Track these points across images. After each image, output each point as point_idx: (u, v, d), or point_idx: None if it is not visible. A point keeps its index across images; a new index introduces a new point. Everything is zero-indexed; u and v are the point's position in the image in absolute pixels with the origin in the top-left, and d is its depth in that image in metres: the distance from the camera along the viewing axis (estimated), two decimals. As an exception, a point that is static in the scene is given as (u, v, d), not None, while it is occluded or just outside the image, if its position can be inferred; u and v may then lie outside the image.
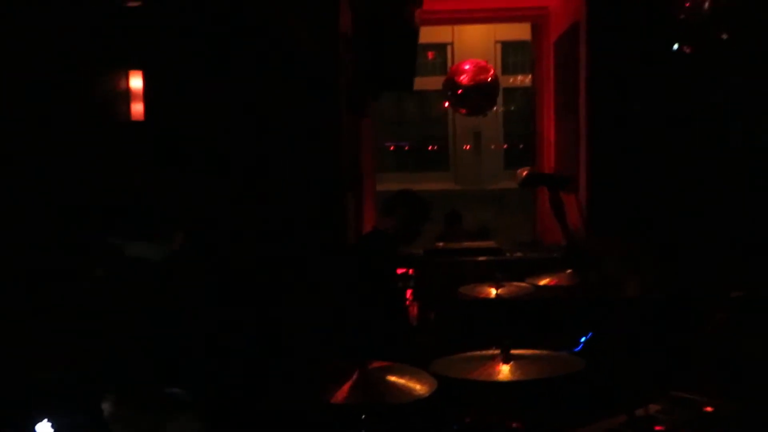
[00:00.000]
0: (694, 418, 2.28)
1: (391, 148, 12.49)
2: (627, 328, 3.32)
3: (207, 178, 4.01)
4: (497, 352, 2.18)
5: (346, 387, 2.02)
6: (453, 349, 2.36)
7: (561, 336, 2.83)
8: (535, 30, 5.77)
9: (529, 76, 6.66)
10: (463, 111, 5.50)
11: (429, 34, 9.95)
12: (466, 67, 5.36)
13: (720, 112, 4.27)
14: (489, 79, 5.29)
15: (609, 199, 4.34)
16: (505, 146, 12.28)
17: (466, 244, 4.70)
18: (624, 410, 2.20)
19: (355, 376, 2.04)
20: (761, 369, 2.65)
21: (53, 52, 2.80)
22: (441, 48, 11.73)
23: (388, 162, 12.19)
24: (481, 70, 5.29)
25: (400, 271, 3.91)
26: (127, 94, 3.59)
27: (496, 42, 11.82)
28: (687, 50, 4.26)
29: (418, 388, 2.05)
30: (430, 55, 11.66)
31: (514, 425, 2.41)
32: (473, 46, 10.86)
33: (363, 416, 2.03)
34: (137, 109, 3.58)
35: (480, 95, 5.24)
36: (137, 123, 3.45)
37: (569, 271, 2.96)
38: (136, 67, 3.55)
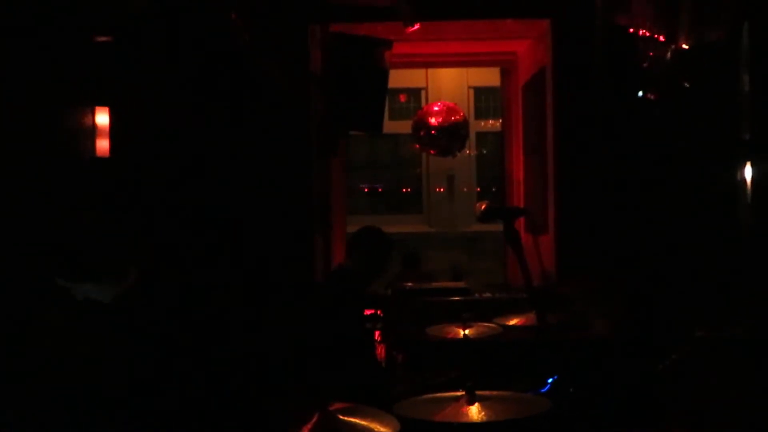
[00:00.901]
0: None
1: (365, 190, 12.53)
2: (594, 368, 3.31)
3: (171, 215, 3.96)
4: (462, 393, 2.14)
5: (305, 429, 1.95)
6: (420, 391, 2.32)
7: (528, 377, 2.80)
8: (504, 75, 5.89)
9: (500, 121, 6.77)
10: (433, 152, 5.55)
11: (403, 79, 10.10)
12: (435, 108, 5.44)
13: (684, 157, 4.37)
14: (458, 121, 5.36)
15: (577, 240, 4.38)
16: (478, 189, 12.40)
17: (435, 284, 4.69)
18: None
19: (315, 418, 1.98)
20: (724, 407, 2.64)
21: (19, 84, 2.77)
22: (415, 92, 11.93)
23: (362, 204, 12.21)
24: (450, 111, 5.37)
25: (368, 311, 3.86)
26: (93, 130, 3.56)
27: (469, 87, 12.04)
28: (651, 97, 4.38)
29: (380, 430, 2.00)
30: (402, 98, 11.83)
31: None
32: (446, 91, 11.05)
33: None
34: (103, 145, 3.55)
35: (449, 136, 5.30)
36: (102, 159, 3.41)
37: (536, 311, 2.95)
38: (103, 104, 3.53)
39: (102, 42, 3.46)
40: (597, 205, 4.35)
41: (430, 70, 11.13)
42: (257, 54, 4.11)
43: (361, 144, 12.03)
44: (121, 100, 3.56)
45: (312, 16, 4.32)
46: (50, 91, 3.06)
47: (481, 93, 12.17)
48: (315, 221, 4.44)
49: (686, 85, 4.27)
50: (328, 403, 2.01)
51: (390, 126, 10.29)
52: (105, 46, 3.47)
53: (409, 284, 4.74)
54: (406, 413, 2.09)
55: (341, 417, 2.01)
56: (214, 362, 3.01)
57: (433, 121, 5.29)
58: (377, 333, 3.78)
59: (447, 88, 11.50)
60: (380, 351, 3.72)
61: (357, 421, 2.02)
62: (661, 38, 4.19)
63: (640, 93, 4.36)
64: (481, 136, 12.36)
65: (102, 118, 3.56)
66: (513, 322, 3.23)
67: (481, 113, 12.34)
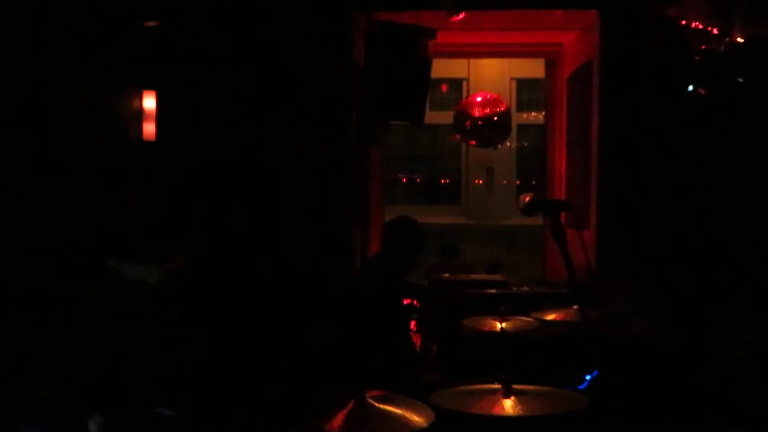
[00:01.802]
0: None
1: (404, 180, 12.52)
2: (634, 367, 3.25)
3: (217, 202, 4.02)
4: (499, 386, 2.12)
5: (341, 415, 1.97)
6: (456, 382, 2.31)
7: (566, 373, 2.76)
8: (548, 66, 5.80)
9: (542, 113, 6.67)
10: (474, 143, 5.51)
11: (444, 69, 10.05)
12: (478, 99, 5.39)
13: (733, 155, 4.24)
14: (501, 112, 5.30)
15: (618, 237, 4.30)
16: (518, 182, 12.28)
17: (472, 276, 4.65)
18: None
19: (350, 405, 1.99)
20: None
21: (68, 68, 2.84)
22: (456, 83, 11.85)
23: (400, 194, 12.21)
24: (493, 102, 5.31)
25: (405, 301, 3.86)
26: (139, 114, 3.63)
27: (511, 79, 11.92)
28: (702, 92, 4.26)
29: (415, 419, 1.99)
30: (444, 88, 11.76)
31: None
32: (488, 82, 10.95)
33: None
34: (149, 129, 3.62)
35: (491, 128, 5.24)
36: (148, 143, 3.48)
37: (575, 307, 2.90)
38: (150, 88, 3.59)
39: (149, 27, 3.52)
40: (640, 202, 4.26)
41: (472, 61, 11.05)
42: (300, 42, 4.13)
43: (400, 134, 12.02)
44: (169, 85, 3.62)
45: (355, 4, 4.31)
46: (99, 75, 3.12)
47: (523, 84, 12.03)
48: (354, 211, 4.45)
49: (740, 80, 4.13)
50: (363, 391, 2.01)
51: (430, 117, 10.24)
52: (152, 30, 3.53)
53: (446, 275, 4.72)
54: (441, 403, 2.09)
55: (376, 404, 2.02)
56: (259, 349, 3.06)
57: (476, 112, 5.24)
58: (413, 323, 3.77)
59: (489, 79, 11.39)
60: (416, 341, 3.71)
61: (392, 409, 2.02)
62: (715, 31, 4.06)
63: (690, 88, 4.24)
64: (523, 128, 12.23)
65: (149, 102, 3.63)
66: (551, 317, 3.18)
67: (522, 105, 12.21)
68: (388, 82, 4.24)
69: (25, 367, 2.20)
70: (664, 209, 4.21)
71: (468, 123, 5.28)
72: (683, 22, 4.10)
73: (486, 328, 3.16)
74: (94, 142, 2.99)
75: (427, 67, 4.30)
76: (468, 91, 11.38)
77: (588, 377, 2.66)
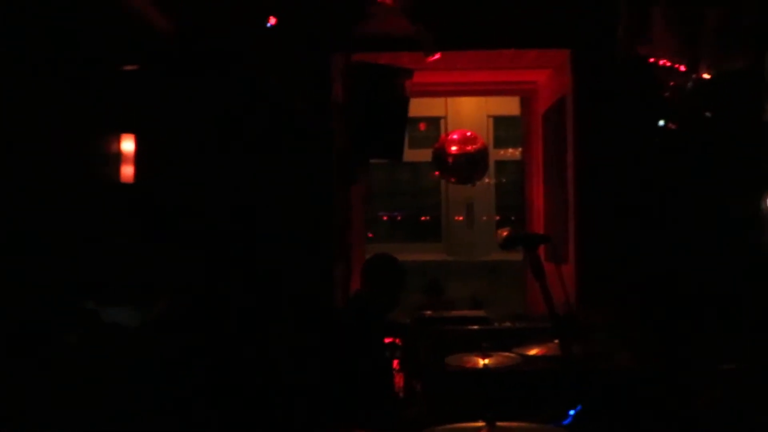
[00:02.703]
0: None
1: (384, 218, 12.55)
2: (617, 400, 3.24)
3: (197, 244, 4.00)
4: (482, 424, 2.10)
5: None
6: (439, 421, 2.29)
7: (550, 408, 2.75)
8: (524, 104, 5.91)
9: (520, 149, 6.78)
10: (453, 180, 5.57)
11: (423, 107, 10.16)
12: (455, 137, 5.48)
13: (706, 186, 4.33)
14: (477, 149, 5.38)
15: (597, 269, 4.34)
16: (497, 217, 12.36)
17: (454, 313, 4.65)
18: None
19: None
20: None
21: (47, 111, 2.83)
22: (435, 121, 11.99)
23: (381, 232, 12.21)
24: (470, 140, 5.40)
25: (387, 340, 3.84)
26: (118, 157, 3.63)
27: (488, 116, 12.08)
28: (672, 126, 4.37)
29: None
30: (422, 126, 11.89)
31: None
32: (466, 120, 11.09)
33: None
34: (127, 171, 3.61)
35: (468, 164, 5.31)
36: (126, 185, 3.47)
37: (557, 341, 2.91)
38: (128, 130, 3.60)
39: (128, 70, 3.54)
40: (618, 234, 4.32)
41: (450, 99, 11.21)
42: (280, 83, 4.18)
43: (381, 172, 12.09)
44: (146, 128, 3.62)
45: (334, 45, 4.39)
46: (77, 118, 3.12)
47: (500, 122, 12.20)
48: (336, 249, 4.45)
49: (708, 114, 4.25)
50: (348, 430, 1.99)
51: (410, 154, 10.30)
52: (131, 74, 3.56)
53: (429, 312, 4.71)
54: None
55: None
56: (241, 391, 3.01)
57: (453, 149, 5.32)
58: (396, 362, 3.75)
59: (466, 116, 11.54)
60: (399, 380, 3.68)
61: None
62: (682, 68, 4.19)
63: (662, 122, 4.35)
64: (501, 164, 12.35)
65: (127, 144, 3.64)
66: (533, 351, 3.19)
67: (500, 142, 12.36)
68: (367, 121, 4.30)
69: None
70: (641, 240, 4.27)
71: (446, 160, 5.36)
72: (652, 59, 4.22)
73: (469, 365, 3.15)
74: (72, 183, 2.98)
75: (405, 105, 4.37)
76: (446, 129, 11.53)
77: (572, 412, 2.66)
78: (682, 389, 3.04)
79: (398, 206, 12.68)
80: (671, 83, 4.22)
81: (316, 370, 3.37)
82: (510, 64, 5.01)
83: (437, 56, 4.22)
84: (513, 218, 11.38)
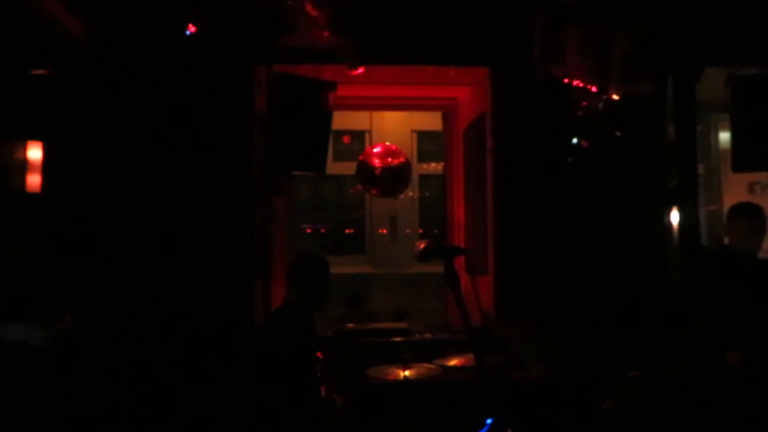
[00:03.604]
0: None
1: (308, 230, 12.48)
2: (533, 408, 3.34)
3: (107, 257, 3.84)
4: (401, 435, 2.12)
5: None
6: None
7: (467, 418, 2.80)
8: (445, 119, 6.03)
9: (442, 164, 6.89)
10: (375, 192, 5.60)
11: (348, 121, 10.21)
12: (378, 150, 5.52)
13: (617, 202, 4.55)
14: (399, 162, 5.44)
15: (515, 282, 4.46)
16: (421, 231, 12.52)
17: (376, 325, 4.66)
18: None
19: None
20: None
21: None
22: (360, 135, 12.05)
23: (305, 245, 12.12)
24: (392, 153, 5.45)
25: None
26: (24, 165, 3.44)
27: (412, 131, 12.26)
28: (585, 144, 4.57)
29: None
30: (346, 139, 11.93)
31: None
32: (390, 134, 11.21)
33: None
34: (34, 180, 3.43)
35: (391, 177, 5.36)
36: (32, 195, 3.30)
37: (473, 352, 2.96)
38: (36, 138, 3.42)
39: (37, 75, 3.37)
40: (535, 248, 4.46)
41: (375, 113, 11.31)
42: (201, 94, 4.10)
43: (306, 185, 12.03)
44: (55, 135, 3.46)
45: (257, 57, 4.35)
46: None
47: (424, 136, 12.41)
48: (256, 264, 4.38)
49: (617, 133, 4.48)
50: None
51: (334, 167, 10.32)
52: (40, 79, 3.39)
53: (350, 325, 4.70)
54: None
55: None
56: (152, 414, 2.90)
57: (377, 162, 5.36)
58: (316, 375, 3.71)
59: (391, 131, 11.67)
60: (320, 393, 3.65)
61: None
62: (594, 89, 4.41)
63: (575, 140, 4.55)
64: (424, 178, 12.55)
65: (34, 152, 3.45)
66: (453, 362, 3.26)
67: (424, 156, 12.55)
68: (289, 133, 4.26)
69: None
70: (557, 253, 4.43)
71: (369, 173, 5.39)
72: (566, 80, 4.42)
73: (390, 377, 3.17)
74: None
75: (328, 118, 4.37)
76: (371, 143, 11.61)
77: (489, 421, 2.71)
78: (592, 394, 3.16)
79: (323, 219, 12.64)
80: (584, 103, 4.43)
81: (238, 388, 3.29)
82: (432, 80, 5.10)
83: (361, 70, 4.25)
84: (436, 231, 11.56)
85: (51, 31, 3.50)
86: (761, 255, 3.69)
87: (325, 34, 4.16)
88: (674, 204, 4.67)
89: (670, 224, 4.71)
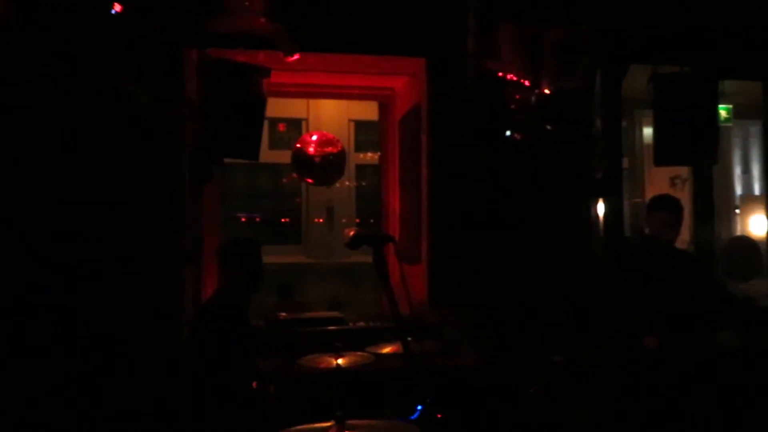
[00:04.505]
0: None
1: (243, 219, 12.28)
2: (464, 394, 3.41)
3: (33, 247, 3.68)
4: (332, 423, 2.12)
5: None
6: (292, 423, 2.28)
7: (398, 404, 2.84)
8: (382, 109, 6.04)
9: (378, 154, 6.92)
10: (310, 181, 5.58)
11: (284, 109, 10.07)
12: (314, 138, 5.49)
13: (547, 193, 4.68)
14: (335, 151, 5.42)
15: (448, 270, 4.54)
16: (357, 220, 12.53)
17: (309, 314, 4.65)
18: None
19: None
20: (582, 429, 2.81)
21: None
22: (296, 123, 11.92)
23: (240, 233, 11.93)
24: (328, 142, 5.43)
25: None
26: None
27: (350, 120, 12.22)
28: (517, 137, 4.68)
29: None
30: (282, 127, 11.79)
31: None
32: (328, 123, 11.13)
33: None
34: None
35: (326, 166, 5.34)
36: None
37: (409, 339, 3.00)
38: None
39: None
40: (467, 237, 4.55)
41: (312, 102, 11.19)
42: (129, 77, 3.96)
43: (241, 173, 11.82)
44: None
45: (188, 40, 4.23)
46: None
47: (361, 126, 12.38)
48: (186, 252, 4.28)
49: (548, 127, 4.61)
50: None
51: (270, 155, 10.17)
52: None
53: (283, 314, 4.67)
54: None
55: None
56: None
57: (312, 150, 5.33)
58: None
59: (328, 119, 11.59)
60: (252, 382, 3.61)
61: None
62: (527, 83, 4.52)
63: (508, 133, 4.65)
64: (361, 168, 12.54)
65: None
66: (386, 350, 3.29)
67: (361, 146, 12.54)
68: (221, 119, 4.17)
69: None
70: (488, 242, 4.52)
71: (305, 161, 5.35)
72: (500, 74, 4.51)
73: (322, 365, 3.18)
74: None
75: (262, 104, 4.30)
76: (308, 131, 11.52)
77: (419, 407, 2.75)
78: (518, 378, 3.26)
79: (258, 207, 12.46)
80: (517, 97, 4.54)
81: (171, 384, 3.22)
82: (368, 70, 5.10)
83: (296, 57, 4.21)
84: (372, 221, 11.59)
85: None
86: (678, 245, 3.88)
87: (261, 20, 4.09)
88: (600, 196, 4.85)
89: (596, 215, 4.89)
